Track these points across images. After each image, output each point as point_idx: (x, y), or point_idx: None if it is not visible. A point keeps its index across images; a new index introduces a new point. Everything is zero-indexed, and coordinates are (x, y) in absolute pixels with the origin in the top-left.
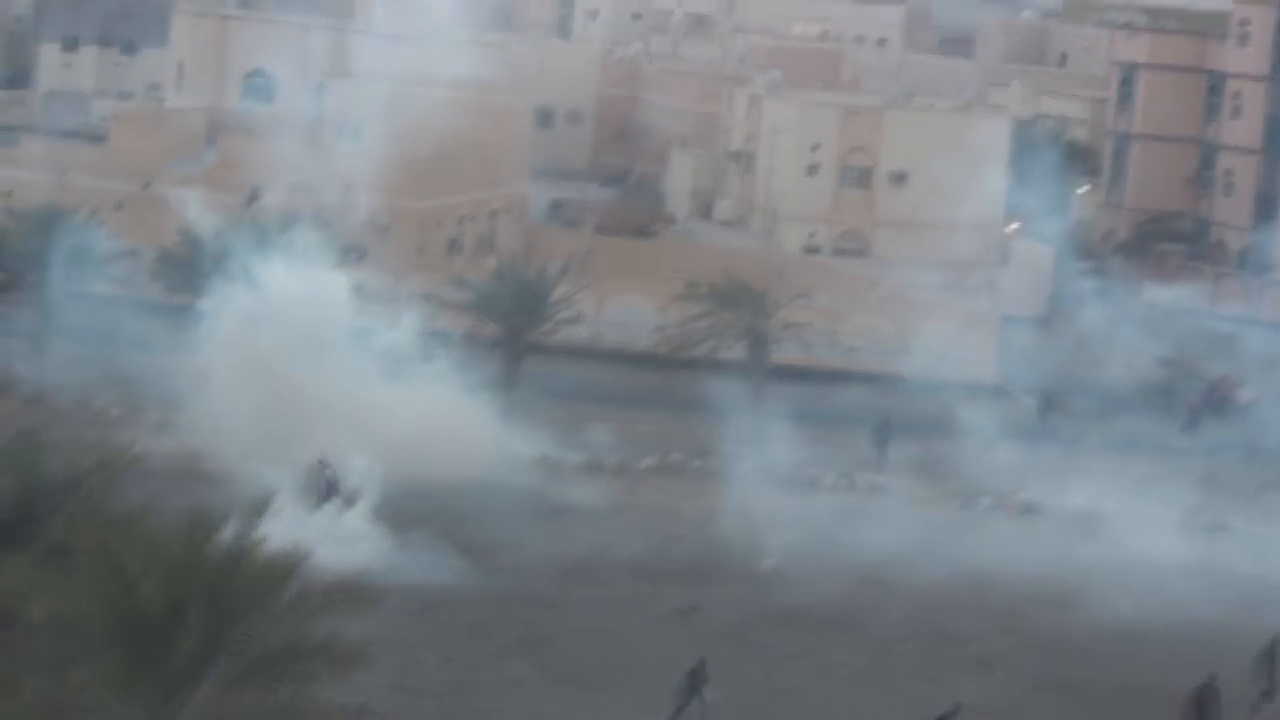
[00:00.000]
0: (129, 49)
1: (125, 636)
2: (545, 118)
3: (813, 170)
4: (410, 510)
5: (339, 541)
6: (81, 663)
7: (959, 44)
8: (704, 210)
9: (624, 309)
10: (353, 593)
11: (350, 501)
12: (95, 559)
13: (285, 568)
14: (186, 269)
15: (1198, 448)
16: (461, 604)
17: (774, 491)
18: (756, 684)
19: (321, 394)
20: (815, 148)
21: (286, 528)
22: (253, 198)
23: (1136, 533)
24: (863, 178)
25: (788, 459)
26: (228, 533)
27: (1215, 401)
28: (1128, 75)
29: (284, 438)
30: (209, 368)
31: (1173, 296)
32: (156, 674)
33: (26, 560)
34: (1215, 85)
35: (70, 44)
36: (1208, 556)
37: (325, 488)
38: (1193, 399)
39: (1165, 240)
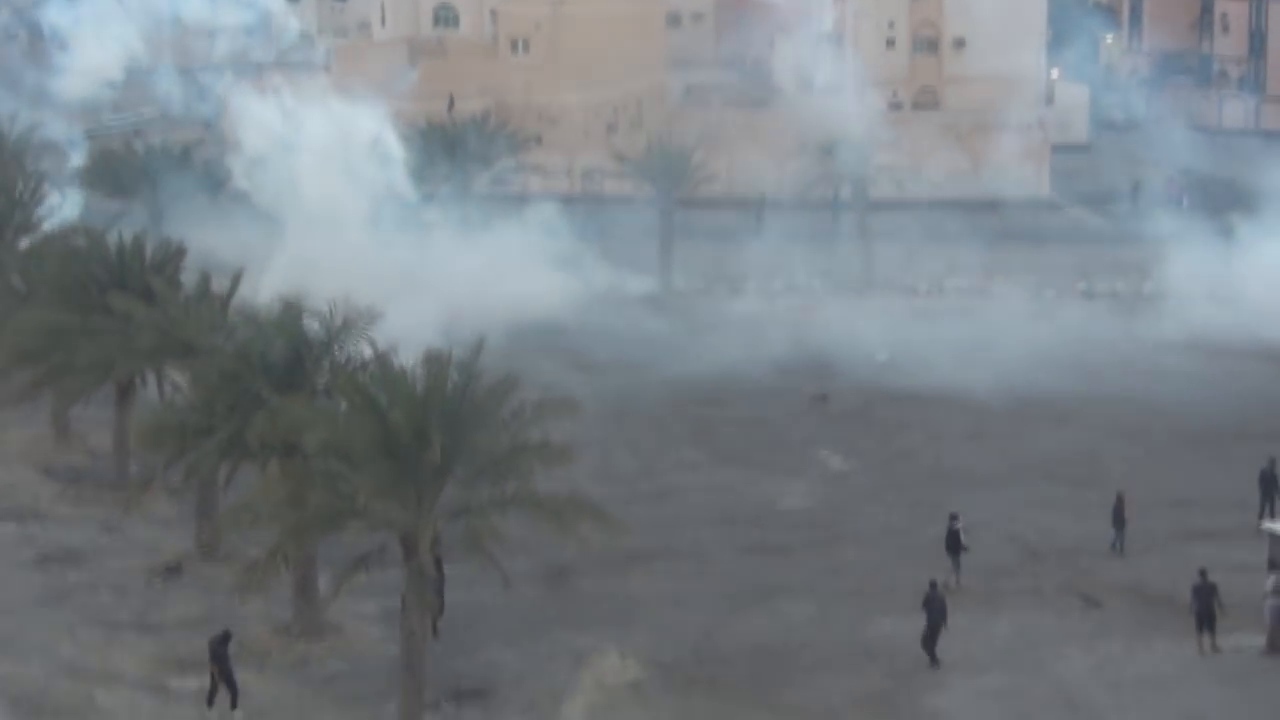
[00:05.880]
0: None
1: (382, 455)
2: (673, 20)
3: (890, 43)
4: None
5: None
6: (350, 478)
7: None
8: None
9: (749, 165)
10: (558, 405)
11: None
12: (354, 397)
13: (503, 390)
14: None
15: None
16: (643, 407)
17: (876, 299)
18: (878, 449)
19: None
20: (891, 24)
21: None
22: (450, 105)
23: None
24: (930, 45)
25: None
26: (455, 367)
27: None
28: None
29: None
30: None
31: (1188, 118)
32: (409, 482)
33: (300, 401)
34: None
35: None
36: None
37: None
38: None
39: (1178, 74)
